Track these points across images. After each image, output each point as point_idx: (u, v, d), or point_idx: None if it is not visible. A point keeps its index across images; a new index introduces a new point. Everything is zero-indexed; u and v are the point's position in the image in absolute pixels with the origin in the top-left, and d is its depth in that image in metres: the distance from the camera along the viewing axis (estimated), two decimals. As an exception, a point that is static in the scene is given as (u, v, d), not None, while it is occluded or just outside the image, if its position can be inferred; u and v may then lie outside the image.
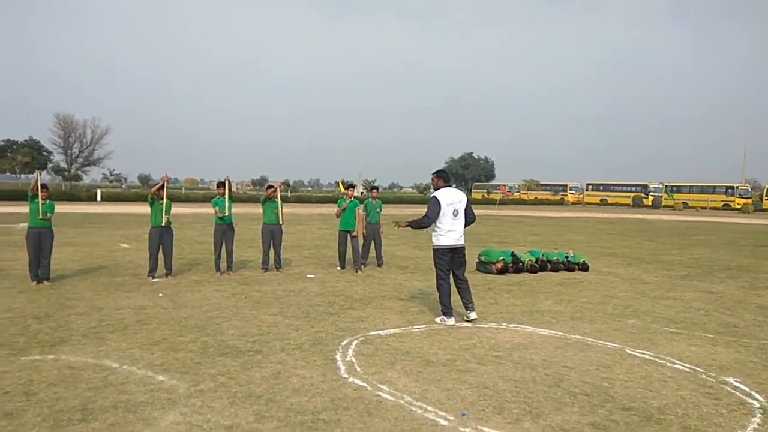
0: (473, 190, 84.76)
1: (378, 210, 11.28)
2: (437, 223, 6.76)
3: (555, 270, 11.14)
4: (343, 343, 5.77)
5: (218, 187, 9.93)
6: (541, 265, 11.14)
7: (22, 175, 71.45)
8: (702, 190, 61.40)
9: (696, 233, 24.04)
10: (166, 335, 5.95)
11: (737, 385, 4.83)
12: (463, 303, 6.96)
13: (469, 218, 6.96)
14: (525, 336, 6.29)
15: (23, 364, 4.90)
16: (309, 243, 15.57)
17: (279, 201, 10.15)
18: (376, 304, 7.81)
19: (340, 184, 21.07)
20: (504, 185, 68.52)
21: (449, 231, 6.75)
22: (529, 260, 11.11)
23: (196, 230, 18.54)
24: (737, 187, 59.46)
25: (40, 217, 8.51)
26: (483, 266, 10.93)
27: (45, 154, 71.75)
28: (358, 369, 4.97)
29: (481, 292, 8.83)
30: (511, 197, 66.72)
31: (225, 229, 9.81)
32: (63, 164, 70.08)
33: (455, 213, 6.75)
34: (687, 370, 5.22)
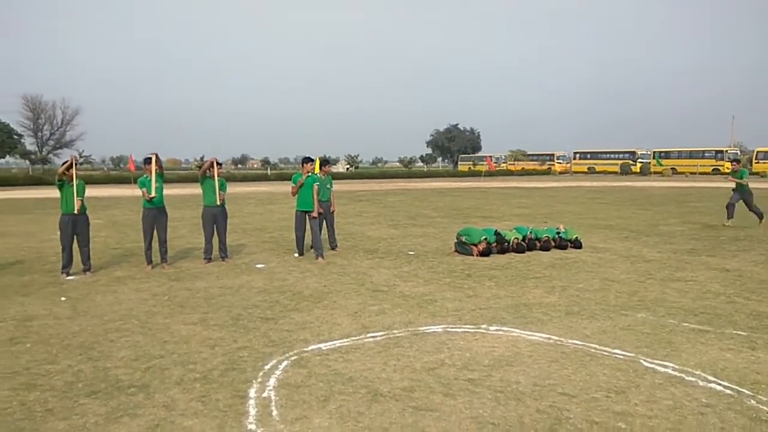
0: (459, 163, 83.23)
1: (329, 186, 9.82)
2: None
3: (545, 249, 9.75)
4: (267, 367, 4.32)
5: (145, 164, 8.31)
6: (529, 244, 9.74)
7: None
8: (691, 155, 60.22)
9: (691, 200, 22.78)
10: (33, 361, 4.47)
11: (805, 418, 3.45)
12: None
13: None
14: (509, 344, 4.88)
15: None
16: (274, 225, 14.05)
17: (216, 179, 8.60)
18: (328, 301, 6.36)
19: (317, 161, 19.38)
20: (489, 156, 66.92)
21: None
22: (515, 239, 9.70)
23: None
24: (726, 150, 58.37)
25: None
26: (463, 247, 9.50)
27: (15, 137, 68.90)
28: (275, 413, 3.53)
29: (458, 281, 7.42)
30: (497, 169, 65.27)
31: (155, 214, 8.25)
32: (34, 147, 67.48)
33: None
34: (728, 392, 3.84)
